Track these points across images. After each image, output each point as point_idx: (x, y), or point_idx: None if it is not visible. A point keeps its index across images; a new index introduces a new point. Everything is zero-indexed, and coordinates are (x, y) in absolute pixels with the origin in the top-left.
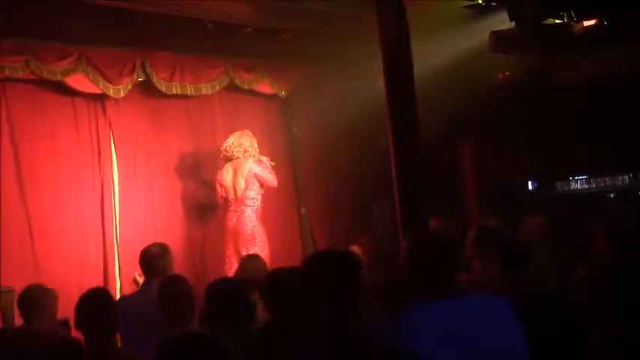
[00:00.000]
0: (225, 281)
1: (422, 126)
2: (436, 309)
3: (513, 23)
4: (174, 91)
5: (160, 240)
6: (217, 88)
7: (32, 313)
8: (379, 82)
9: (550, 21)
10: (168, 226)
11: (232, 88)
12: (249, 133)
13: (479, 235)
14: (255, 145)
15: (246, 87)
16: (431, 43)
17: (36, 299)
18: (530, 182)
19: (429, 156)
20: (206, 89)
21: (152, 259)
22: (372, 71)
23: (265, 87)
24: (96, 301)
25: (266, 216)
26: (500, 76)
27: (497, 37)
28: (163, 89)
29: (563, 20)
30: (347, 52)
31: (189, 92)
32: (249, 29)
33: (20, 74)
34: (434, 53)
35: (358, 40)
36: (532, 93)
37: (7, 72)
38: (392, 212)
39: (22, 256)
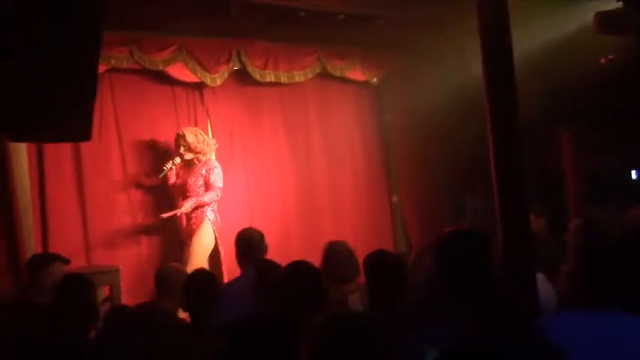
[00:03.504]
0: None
1: (521, 112)
2: (591, 319)
3: (620, 3)
4: (268, 79)
5: (255, 225)
6: (310, 76)
7: (164, 292)
8: (474, 69)
9: None
10: (262, 211)
11: (324, 75)
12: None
13: (585, 225)
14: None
15: (338, 74)
16: (532, 25)
17: (169, 279)
18: (634, 171)
19: (527, 143)
20: (299, 77)
21: (254, 244)
22: (465, 58)
23: (357, 74)
24: (200, 281)
25: (357, 204)
26: (604, 59)
27: (603, 18)
28: (257, 77)
29: None
30: (440, 39)
31: (282, 80)
32: (342, 16)
33: (125, 64)
34: (534, 36)
35: (452, 26)
36: (637, 77)
37: (112, 62)
38: (485, 200)
39: (131, 238)
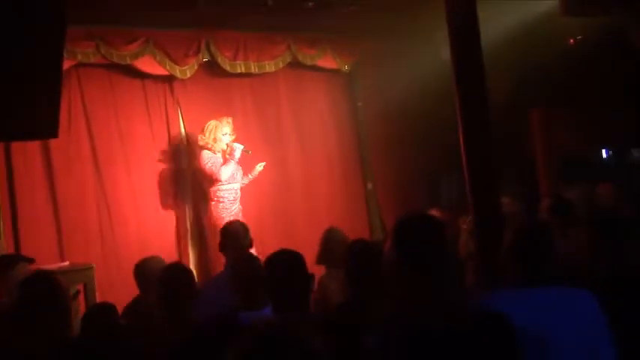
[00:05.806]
0: (283, 253)
1: (490, 94)
2: (521, 297)
3: None
4: (239, 70)
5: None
6: (281, 65)
7: (149, 286)
8: (444, 54)
9: None
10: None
11: (295, 64)
12: (214, 121)
13: (556, 203)
14: (212, 136)
15: (309, 63)
16: (499, 7)
17: (154, 272)
18: (604, 150)
19: (497, 125)
20: (270, 67)
21: (238, 237)
22: (436, 43)
23: (328, 62)
24: (176, 275)
25: (332, 192)
26: (572, 40)
27: (568, 0)
28: (228, 68)
29: None
30: (410, 25)
31: (253, 70)
32: (311, 3)
33: (92, 59)
34: (502, 18)
35: (421, 11)
36: (605, 57)
37: (79, 57)
38: (460, 186)
39: (102, 233)
